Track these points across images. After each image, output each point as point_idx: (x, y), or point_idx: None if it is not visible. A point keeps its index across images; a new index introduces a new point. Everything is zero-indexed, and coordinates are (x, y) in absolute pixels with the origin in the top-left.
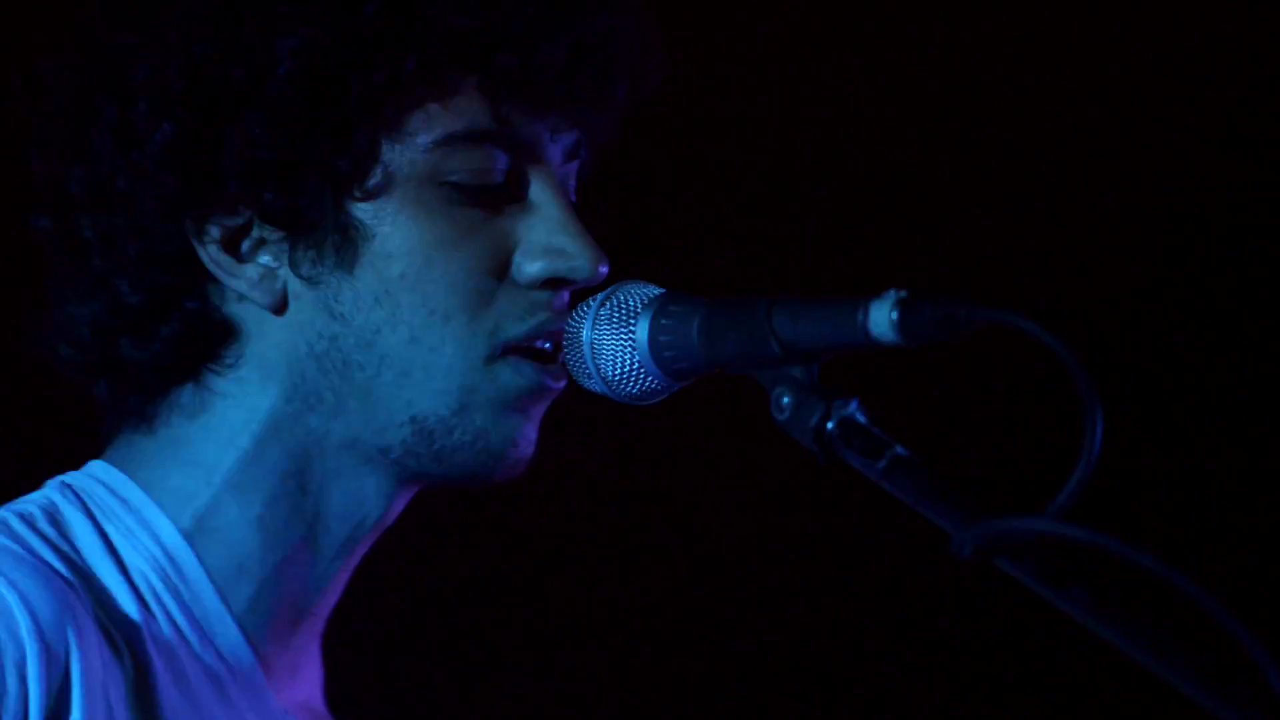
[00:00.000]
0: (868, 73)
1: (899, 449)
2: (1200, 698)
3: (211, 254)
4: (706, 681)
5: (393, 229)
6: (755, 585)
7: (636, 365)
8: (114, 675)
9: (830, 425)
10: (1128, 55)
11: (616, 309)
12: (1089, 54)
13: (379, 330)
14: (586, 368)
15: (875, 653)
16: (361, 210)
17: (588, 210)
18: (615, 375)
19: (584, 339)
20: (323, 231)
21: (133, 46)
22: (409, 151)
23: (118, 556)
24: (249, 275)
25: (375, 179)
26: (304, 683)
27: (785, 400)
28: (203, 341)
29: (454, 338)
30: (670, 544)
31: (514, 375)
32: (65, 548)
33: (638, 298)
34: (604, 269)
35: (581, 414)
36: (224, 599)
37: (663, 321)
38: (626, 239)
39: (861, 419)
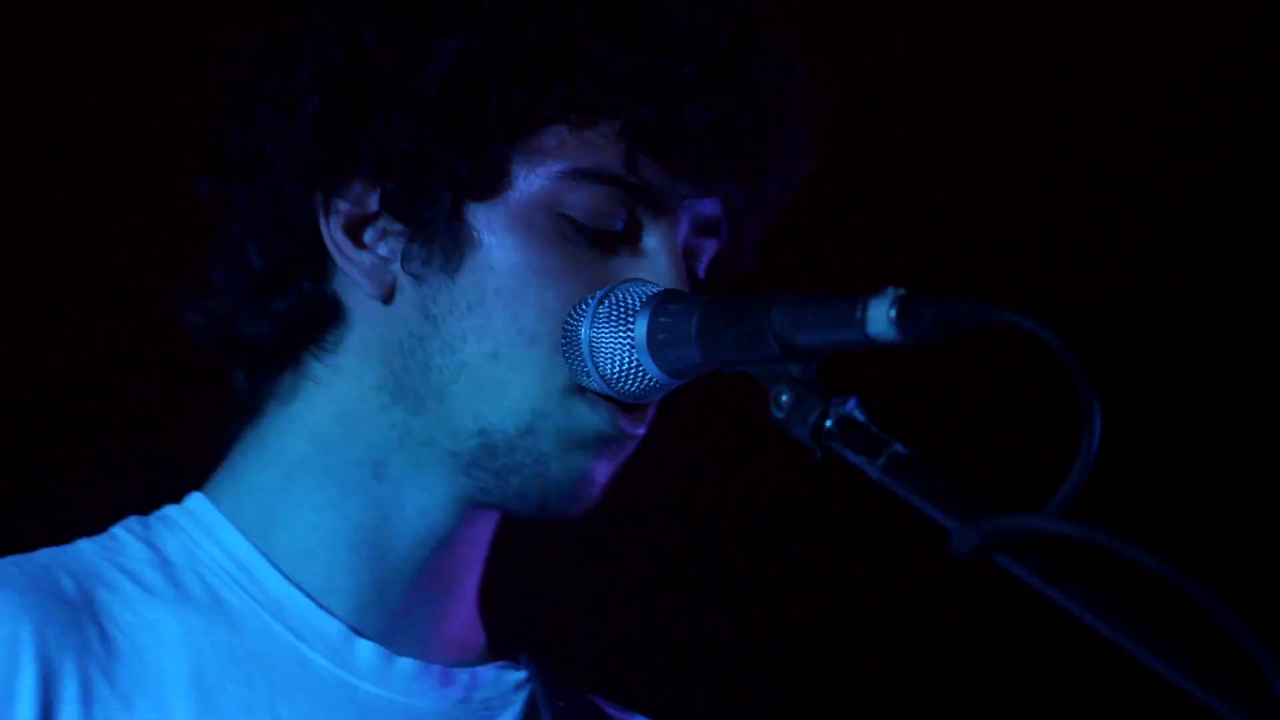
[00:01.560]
0: (867, 72)
1: (898, 447)
2: (1200, 696)
3: (334, 234)
4: (704, 681)
5: (500, 243)
6: (753, 583)
7: (635, 363)
8: (101, 673)
9: (829, 423)
10: (1127, 55)
11: (615, 307)
12: (1089, 54)
13: (465, 338)
14: (585, 365)
15: (874, 651)
16: (476, 218)
17: None
18: (614, 373)
19: (582, 337)
20: (436, 231)
21: (314, 25)
22: (535, 174)
23: (165, 563)
24: (363, 261)
25: (496, 192)
26: (445, 642)
27: (784, 398)
28: (310, 321)
29: (536, 362)
30: (668, 541)
31: (589, 413)
32: (76, 563)
33: (637, 295)
34: None
35: None
36: (293, 582)
37: (661, 319)
38: None
39: (860, 417)
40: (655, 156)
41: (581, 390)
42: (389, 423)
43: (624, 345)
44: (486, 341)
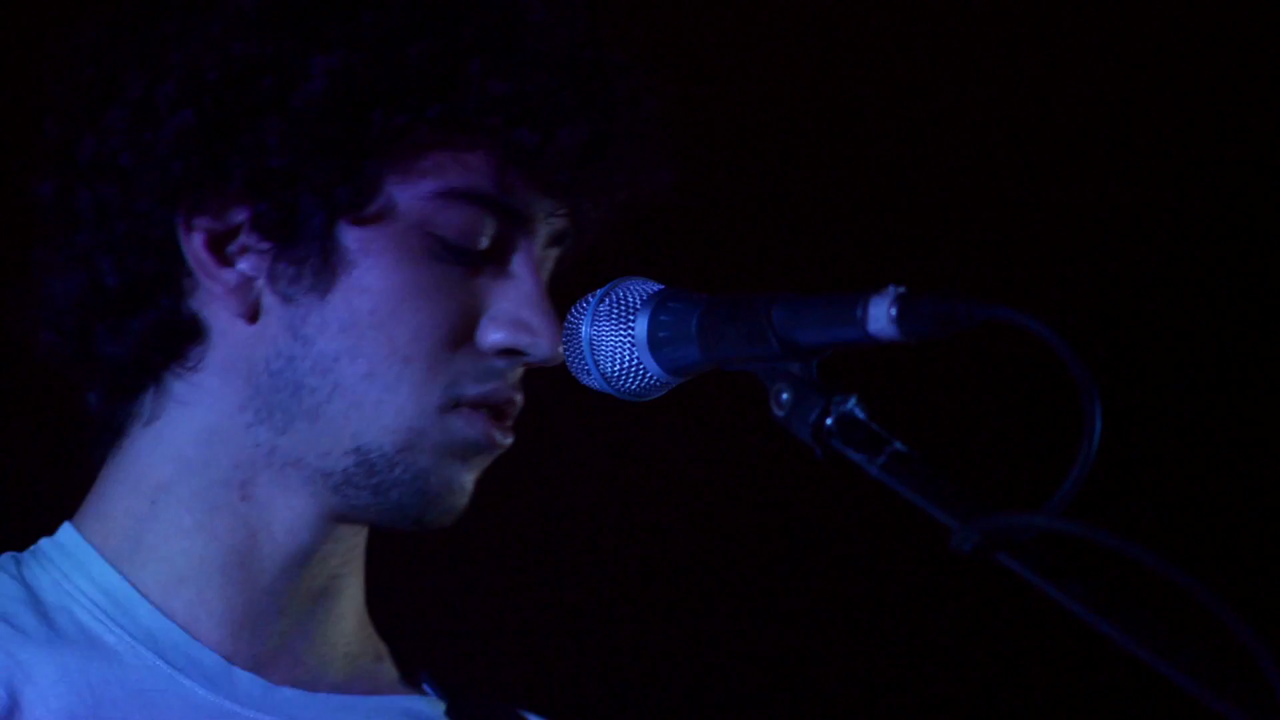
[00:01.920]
0: (867, 71)
1: (898, 445)
2: (1200, 694)
3: (196, 250)
4: (702, 680)
5: (374, 264)
6: (754, 582)
7: (635, 361)
8: None
9: (829, 421)
10: (1127, 55)
11: (616, 305)
12: (1089, 53)
13: (338, 359)
14: (585, 364)
15: (874, 649)
16: (349, 238)
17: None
18: (614, 371)
19: (583, 335)
20: (307, 251)
21: (174, 31)
22: (408, 194)
23: (37, 601)
24: (227, 279)
25: (370, 211)
26: (328, 663)
27: (784, 396)
28: (171, 339)
29: (411, 380)
30: (669, 540)
31: (465, 426)
32: None
33: (637, 294)
34: (562, 351)
35: (580, 410)
36: (164, 612)
37: (662, 318)
38: (626, 236)
39: (860, 415)
40: (527, 177)
41: (455, 405)
42: (253, 442)
43: (624, 343)
44: (360, 362)
